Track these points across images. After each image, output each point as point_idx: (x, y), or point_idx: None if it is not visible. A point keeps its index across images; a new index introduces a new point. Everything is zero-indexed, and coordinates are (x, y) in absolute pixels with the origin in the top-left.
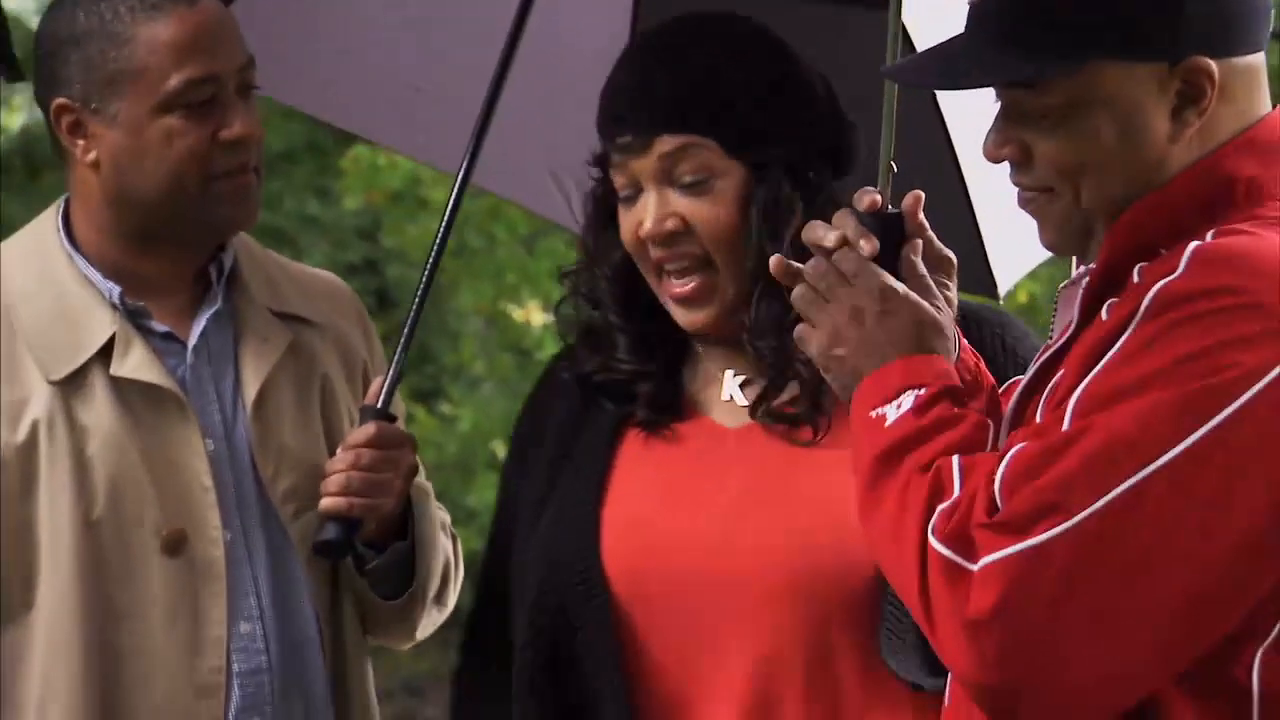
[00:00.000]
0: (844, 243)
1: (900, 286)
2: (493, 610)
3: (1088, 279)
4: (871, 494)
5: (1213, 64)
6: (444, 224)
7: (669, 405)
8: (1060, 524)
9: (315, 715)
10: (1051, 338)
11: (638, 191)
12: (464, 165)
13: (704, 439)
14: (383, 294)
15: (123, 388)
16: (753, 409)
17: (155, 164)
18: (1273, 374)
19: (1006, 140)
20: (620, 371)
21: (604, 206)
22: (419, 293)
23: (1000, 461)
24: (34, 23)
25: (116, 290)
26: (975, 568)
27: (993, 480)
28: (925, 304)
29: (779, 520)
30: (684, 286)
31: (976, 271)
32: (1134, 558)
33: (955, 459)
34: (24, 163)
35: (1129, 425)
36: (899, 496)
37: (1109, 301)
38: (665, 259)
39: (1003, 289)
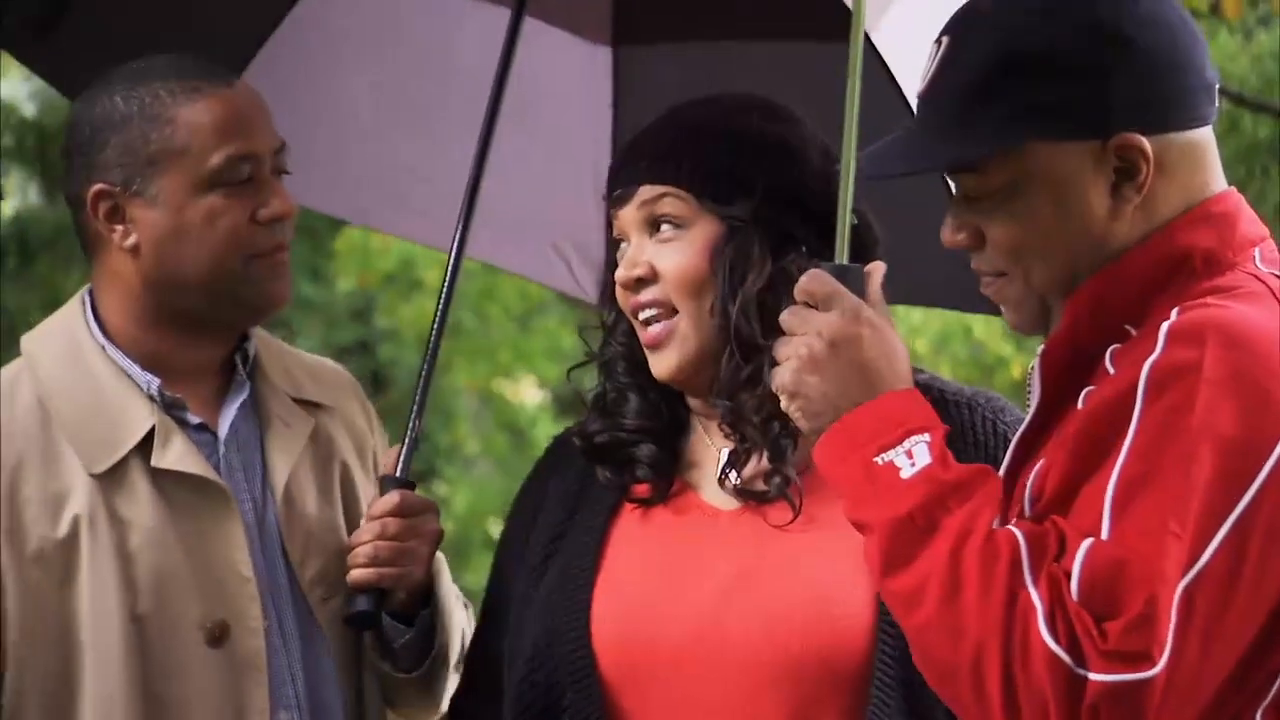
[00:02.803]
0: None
1: (872, 311)
2: (479, 690)
3: (1045, 351)
4: (901, 551)
5: (1145, 140)
6: (445, 292)
7: (668, 470)
8: (1158, 662)
9: None
10: (1028, 413)
11: (626, 243)
12: (456, 241)
13: (697, 520)
14: (377, 375)
15: (163, 480)
16: (721, 480)
17: (198, 244)
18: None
19: (960, 226)
20: (624, 429)
21: (613, 268)
22: (427, 357)
23: (1073, 559)
24: (27, 109)
25: (155, 383)
26: (1093, 678)
27: (1070, 577)
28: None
29: (767, 604)
30: (651, 332)
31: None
32: (1213, 643)
33: (1021, 540)
34: (18, 249)
35: (1183, 525)
36: (952, 566)
37: (1085, 390)
38: (636, 306)
39: None
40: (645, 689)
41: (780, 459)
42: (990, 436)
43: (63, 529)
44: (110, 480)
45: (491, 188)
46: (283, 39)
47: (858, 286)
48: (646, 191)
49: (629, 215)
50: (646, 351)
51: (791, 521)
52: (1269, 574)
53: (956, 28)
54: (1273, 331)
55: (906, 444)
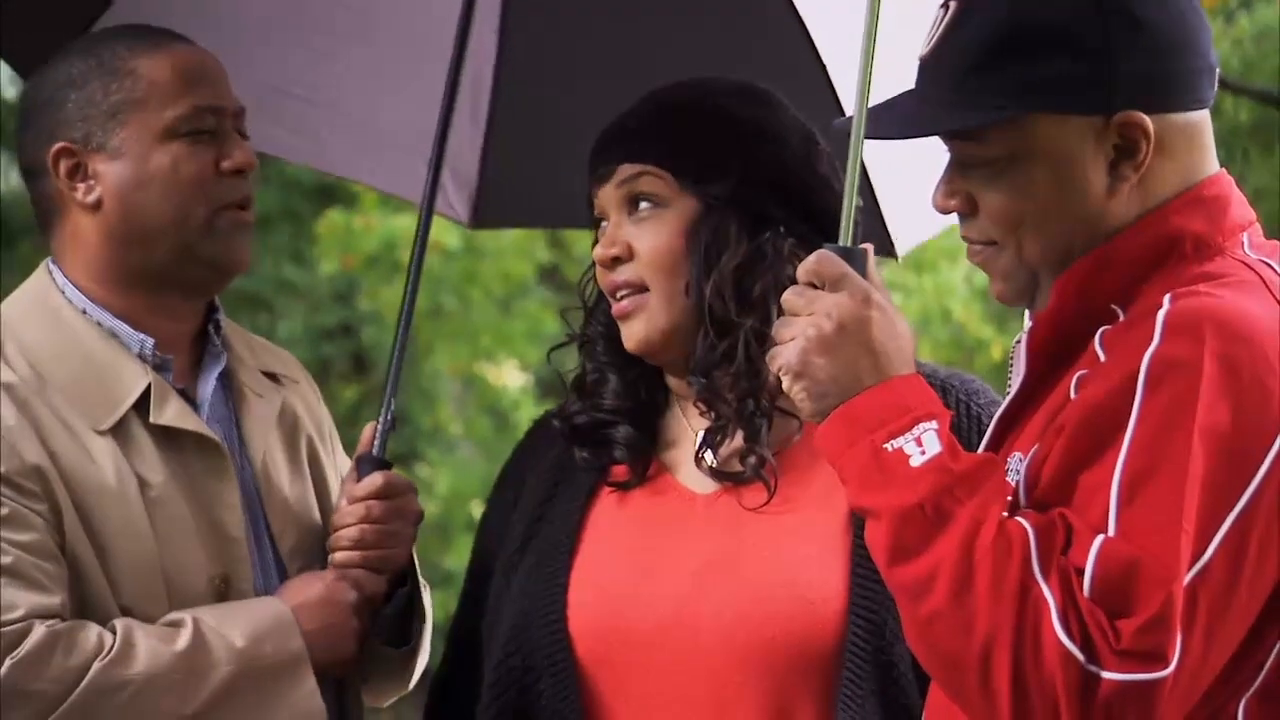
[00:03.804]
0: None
1: (880, 294)
2: (460, 671)
3: (1032, 329)
4: (909, 541)
5: (1147, 119)
6: (415, 259)
7: (645, 452)
8: (1171, 662)
9: None
10: (1009, 390)
11: (606, 222)
12: (424, 208)
13: (673, 503)
14: (359, 357)
15: (164, 438)
16: (697, 459)
17: (163, 192)
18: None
19: (954, 192)
20: (602, 410)
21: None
22: (399, 332)
23: (1083, 554)
24: (9, 92)
25: (150, 342)
26: (1106, 676)
27: (1080, 573)
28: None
29: (741, 588)
30: (620, 304)
31: (875, 233)
32: (1220, 622)
33: (1030, 532)
34: (1, 232)
35: (1189, 522)
36: (964, 557)
37: (1078, 375)
38: (612, 286)
39: (901, 251)
40: (621, 673)
41: (754, 438)
42: (964, 419)
43: (99, 479)
44: (118, 438)
45: (368, 106)
46: None
47: (861, 268)
48: (626, 170)
49: (608, 193)
50: (619, 323)
51: (767, 503)
52: (1265, 568)
53: None
54: (1267, 323)
55: (915, 431)
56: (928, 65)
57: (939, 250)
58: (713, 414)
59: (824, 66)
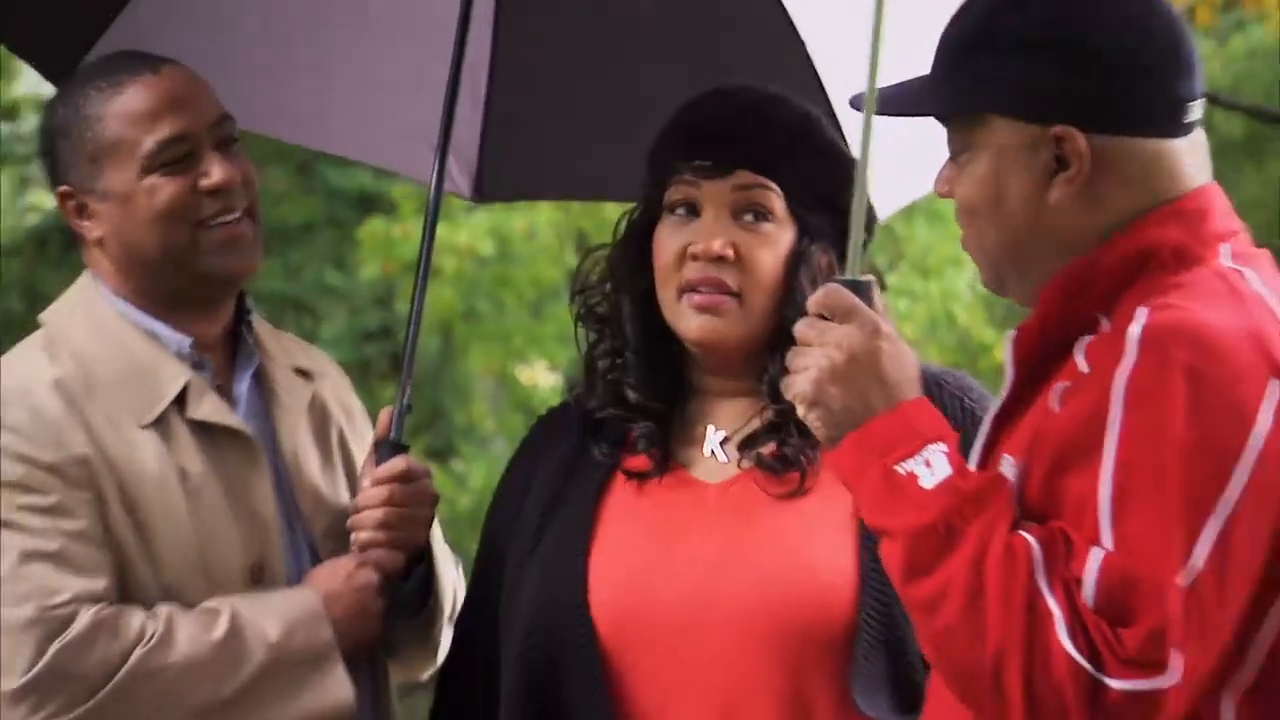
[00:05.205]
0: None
1: (887, 324)
2: (468, 659)
3: (1016, 337)
4: (923, 559)
5: (1081, 137)
6: (427, 231)
7: (664, 446)
8: (1174, 668)
9: None
10: (1002, 392)
11: (694, 211)
12: (433, 183)
13: (687, 494)
14: (398, 357)
15: (201, 432)
16: (741, 449)
17: (146, 223)
18: (1257, 441)
19: (945, 179)
20: (624, 403)
21: (643, 226)
22: (411, 322)
23: (1082, 565)
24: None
25: (188, 341)
26: (1113, 685)
27: (1080, 584)
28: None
29: (757, 572)
30: (707, 297)
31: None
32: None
33: (1036, 547)
34: (60, 236)
35: (1176, 533)
36: (974, 574)
37: (1061, 387)
38: (702, 281)
39: (882, 216)
40: (643, 652)
41: (809, 437)
42: (958, 414)
43: (142, 469)
44: (160, 431)
45: (372, 88)
46: None
47: (868, 299)
48: (746, 176)
49: (718, 191)
50: (691, 312)
51: (791, 493)
52: (1252, 569)
53: None
54: (1236, 333)
55: (925, 453)
56: (937, 51)
57: (944, 257)
58: (776, 412)
59: (815, 69)
